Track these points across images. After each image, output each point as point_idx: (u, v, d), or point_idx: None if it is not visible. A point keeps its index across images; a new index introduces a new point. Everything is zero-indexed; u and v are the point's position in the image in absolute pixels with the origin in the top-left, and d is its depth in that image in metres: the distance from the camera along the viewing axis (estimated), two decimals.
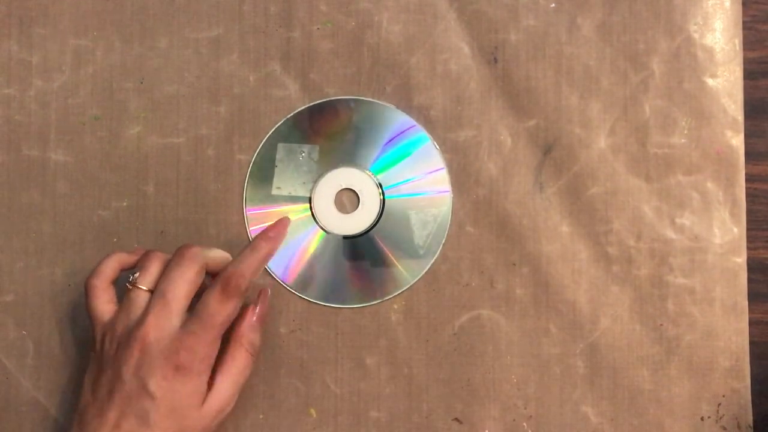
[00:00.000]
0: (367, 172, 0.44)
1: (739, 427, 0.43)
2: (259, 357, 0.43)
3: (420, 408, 0.43)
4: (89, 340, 0.39)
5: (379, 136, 0.44)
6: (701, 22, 0.44)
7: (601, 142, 0.43)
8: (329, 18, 0.44)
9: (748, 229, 0.43)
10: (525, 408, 0.43)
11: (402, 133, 0.44)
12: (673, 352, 0.43)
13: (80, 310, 0.43)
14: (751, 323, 0.43)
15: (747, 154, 0.43)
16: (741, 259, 0.43)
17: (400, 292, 0.43)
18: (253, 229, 0.43)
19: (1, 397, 0.43)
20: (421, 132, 0.44)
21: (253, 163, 0.44)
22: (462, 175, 0.44)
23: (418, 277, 0.43)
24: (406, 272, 0.43)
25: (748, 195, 0.43)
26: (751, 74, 0.44)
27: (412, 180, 0.44)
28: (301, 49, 0.44)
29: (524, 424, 0.43)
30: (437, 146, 0.44)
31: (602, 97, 0.44)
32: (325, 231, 0.44)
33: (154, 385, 0.35)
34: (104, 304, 0.38)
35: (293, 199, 0.44)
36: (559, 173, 0.43)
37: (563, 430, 0.43)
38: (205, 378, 0.37)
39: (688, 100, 0.44)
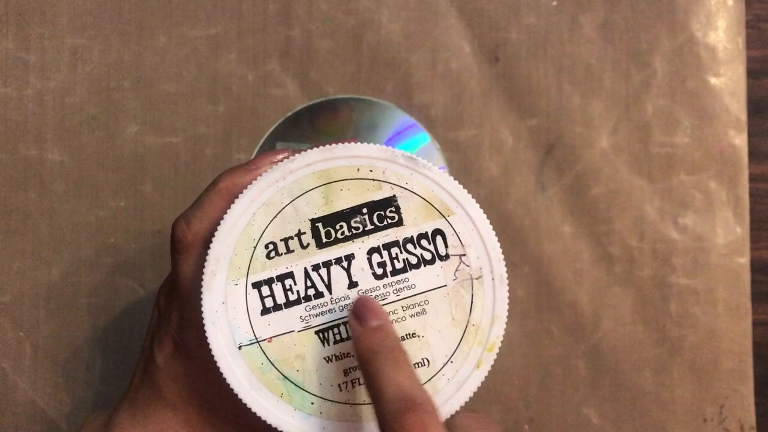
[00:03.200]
0: None
1: (742, 428, 0.42)
2: None
3: None
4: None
5: (378, 135, 0.44)
6: (704, 21, 0.43)
7: (603, 141, 0.43)
8: (328, 16, 0.44)
9: (751, 229, 0.43)
10: (526, 410, 0.42)
11: (402, 132, 0.44)
12: (676, 354, 0.43)
13: (78, 311, 0.43)
14: (754, 324, 0.43)
15: (750, 153, 0.43)
16: (744, 260, 0.43)
17: None
18: None
19: None
20: (421, 131, 0.43)
21: None
22: (463, 174, 0.43)
23: None
24: None
25: (751, 195, 0.43)
26: (754, 73, 0.44)
27: None
28: (300, 48, 0.44)
29: (526, 426, 0.42)
30: (438, 145, 0.43)
31: (604, 96, 0.43)
32: None
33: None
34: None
35: None
36: (560, 173, 0.43)
37: None
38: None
39: (691, 99, 0.43)
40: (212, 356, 0.28)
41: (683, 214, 0.43)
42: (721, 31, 0.43)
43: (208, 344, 0.28)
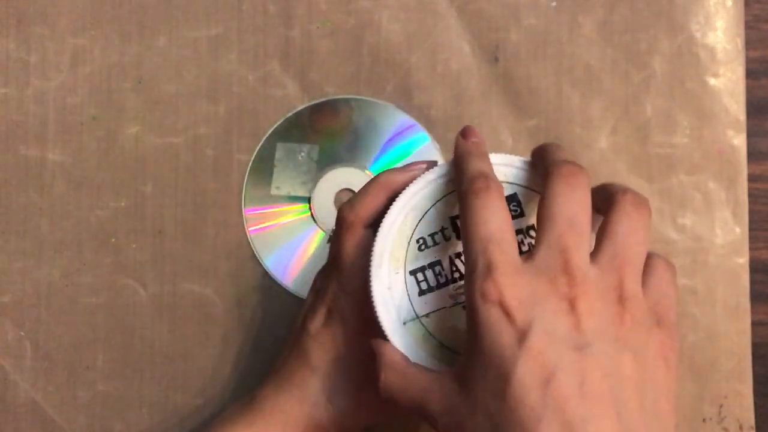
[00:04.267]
0: (367, 171, 0.44)
1: (741, 428, 0.42)
2: (257, 359, 0.43)
3: None
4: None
5: (378, 136, 0.44)
6: (703, 21, 0.43)
7: (603, 141, 0.43)
8: (329, 17, 0.44)
9: (750, 230, 0.43)
10: None
11: (402, 132, 0.44)
12: None
13: (78, 311, 0.43)
14: (753, 324, 0.43)
15: (749, 153, 0.43)
16: (743, 260, 0.43)
17: None
18: (252, 229, 0.43)
19: None
20: (421, 131, 0.44)
21: (252, 162, 0.44)
22: None
23: None
24: None
25: (750, 195, 0.43)
26: (753, 73, 0.44)
27: None
28: (301, 48, 0.44)
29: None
30: (437, 146, 0.44)
31: (603, 96, 0.43)
32: (325, 231, 0.43)
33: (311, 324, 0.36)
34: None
35: (292, 199, 0.44)
36: None
37: None
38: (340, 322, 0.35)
39: (690, 100, 0.43)
40: (383, 332, 0.32)
41: (682, 215, 0.43)
42: (720, 31, 0.43)
43: (379, 322, 0.32)
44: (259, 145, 0.44)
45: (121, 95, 0.44)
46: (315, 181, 0.43)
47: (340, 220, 0.35)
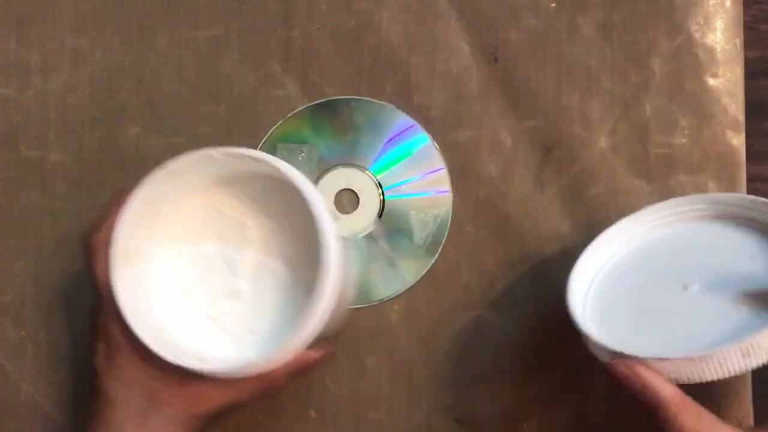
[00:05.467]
0: (367, 172, 0.44)
1: (740, 428, 0.42)
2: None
3: (420, 408, 0.43)
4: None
5: (378, 136, 0.44)
6: (702, 22, 0.44)
7: (602, 142, 0.43)
8: (329, 18, 0.44)
9: None
10: (526, 409, 0.43)
11: (402, 133, 0.44)
12: None
13: (80, 310, 0.43)
14: None
15: (747, 153, 0.43)
16: None
17: (400, 292, 0.43)
18: None
19: None
20: (420, 132, 0.44)
21: None
22: (462, 175, 0.43)
23: (419, 278, 0.43)
24: (406, 273, 0.43)
25: (749, 195, 0.43)
26: (751, 74, 0.44)
27: (412, 180, 0.44)
28: (301, 49, 0.44)
29: (525, 425, 0.42)
30: (437, 146, 0.44)
31: (603, 97, 0.44)
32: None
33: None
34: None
35: None
36: (559, 173, 0.43)
37: (565, 431, 0.42)
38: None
39: (689, 100, 0.43)
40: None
41: None
42: (719, 32, 0.44)
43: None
44: (260, 145, 0.44)
45: (122, 95, 0.44)
46: (315, 181, 0.43)
47: (89, 247, 0.36)
